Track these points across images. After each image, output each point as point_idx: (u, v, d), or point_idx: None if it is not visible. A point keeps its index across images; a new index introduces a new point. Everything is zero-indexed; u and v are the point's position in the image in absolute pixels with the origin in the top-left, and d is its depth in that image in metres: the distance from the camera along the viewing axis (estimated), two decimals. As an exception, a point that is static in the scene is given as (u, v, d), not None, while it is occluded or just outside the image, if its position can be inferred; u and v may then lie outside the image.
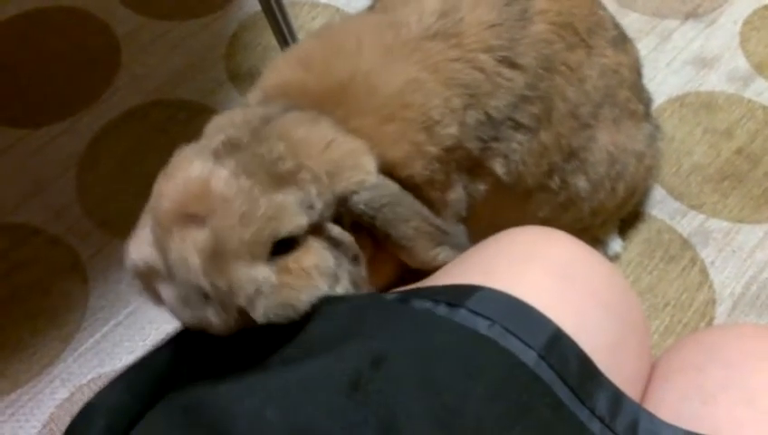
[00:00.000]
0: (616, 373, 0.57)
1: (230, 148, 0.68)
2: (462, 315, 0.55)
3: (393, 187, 0.74)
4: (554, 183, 0.92)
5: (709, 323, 1.11)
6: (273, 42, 1.33)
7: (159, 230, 0.65)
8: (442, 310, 0.56)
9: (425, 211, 0.76)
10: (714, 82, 1.39)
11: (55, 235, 1.23)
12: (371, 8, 0.91)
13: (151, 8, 1.55)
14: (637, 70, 1.00)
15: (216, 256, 0.62)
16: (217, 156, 0.67)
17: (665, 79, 1.39)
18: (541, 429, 0.51)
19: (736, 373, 0.58)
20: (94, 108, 1.40)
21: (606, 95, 0.92)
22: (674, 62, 1.42)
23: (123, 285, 1.17)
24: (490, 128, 0.83)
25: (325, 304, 0.64)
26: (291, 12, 1.29)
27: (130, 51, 1.48)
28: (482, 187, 0.87)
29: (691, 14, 1.49)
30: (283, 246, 0.66)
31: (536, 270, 0.61)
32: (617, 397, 0.55)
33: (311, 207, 0.67)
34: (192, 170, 0.66)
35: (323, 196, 0.69)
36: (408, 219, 0.74)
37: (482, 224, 0.86)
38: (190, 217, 0.64)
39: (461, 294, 0.57)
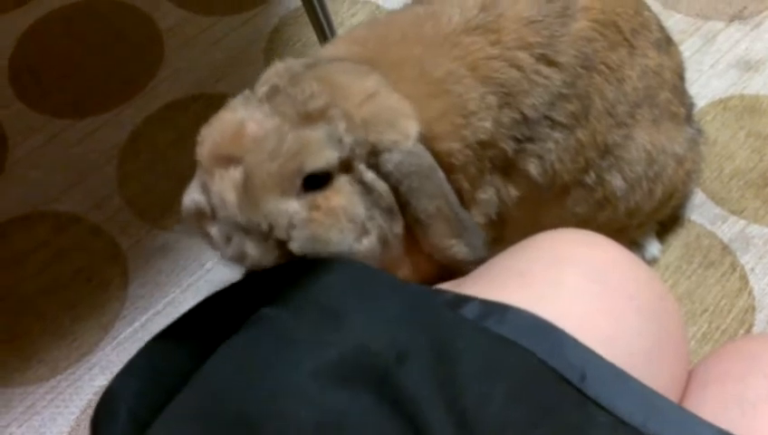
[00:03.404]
0: (652, 379, 0.56)
1: (270, 93, 0.72)
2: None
3: (428, 159, 0.74)
4: (590, 179, 0.92)
5: (748, 331, 1.09)
6: (313, 38, 1.34)
7: (203, 174, 0.69)
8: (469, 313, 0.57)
9: (452, 196, 0.77)
10: (758, 85, 1.36)
11: (96, 224, 1.25)
12: (415, 1, 0.92)
13: (193, 3, 1.57)
14: (679, 74, 0.99)
15: (250, 192, 0.66)
16: (258, 102, 0.71)
17: (708, 81, 1.37)
18: (567, 428, 0.51)
19: (778, 384, 0.58)
20: (136, 100, 1.42)
21: (646, 96, 0.92)
22: (718, 65, 1.40)
23: (163, 276, 1.19)
24: (525, 127, 0.83)
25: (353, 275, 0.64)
26: (331, 8, 1.29)
27: (173, 45, 1.50)
28: (514, 192, 0.86)
29: (736, 17, 1.46)
30: (316, 183, 0.69)
31: (573, 274, 0.61)
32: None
33: (340, 141, 0.70)
34: (231, 116, 0.70)
35: (354, 132, 0.71)
36: (433, 196, 0.75)
37: (525, 223, 0.86)
38: (228, 158, 0.68)
39: (491, 315, 0.57)
